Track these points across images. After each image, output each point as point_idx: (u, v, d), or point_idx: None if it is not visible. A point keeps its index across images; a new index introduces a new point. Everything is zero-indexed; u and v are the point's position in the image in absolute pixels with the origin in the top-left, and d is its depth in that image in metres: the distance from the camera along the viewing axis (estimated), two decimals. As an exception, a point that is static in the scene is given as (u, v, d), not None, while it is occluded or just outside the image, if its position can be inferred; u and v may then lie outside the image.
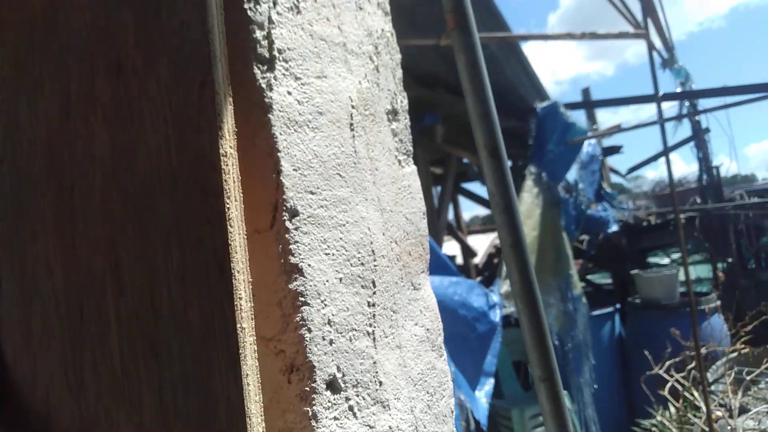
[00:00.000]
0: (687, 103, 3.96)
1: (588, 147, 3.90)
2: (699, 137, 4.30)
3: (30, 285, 0.38)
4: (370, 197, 0.39)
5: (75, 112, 0.35)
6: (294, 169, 0.34)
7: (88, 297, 0.35)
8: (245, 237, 0.30)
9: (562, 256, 3.50)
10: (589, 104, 4.53)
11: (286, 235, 0.34)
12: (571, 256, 3.66)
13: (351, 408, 0.33)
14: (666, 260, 5.17)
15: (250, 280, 0.30)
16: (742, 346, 3.35)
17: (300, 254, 0.33)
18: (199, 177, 0.30)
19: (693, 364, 2.99)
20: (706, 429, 2.57)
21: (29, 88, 0.38)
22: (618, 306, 4.46)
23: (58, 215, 0.36)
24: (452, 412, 0.42)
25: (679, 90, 3.97)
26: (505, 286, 3.37)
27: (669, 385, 3.15)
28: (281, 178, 0.34)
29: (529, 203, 3.46)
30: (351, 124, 0.38)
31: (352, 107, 0.39)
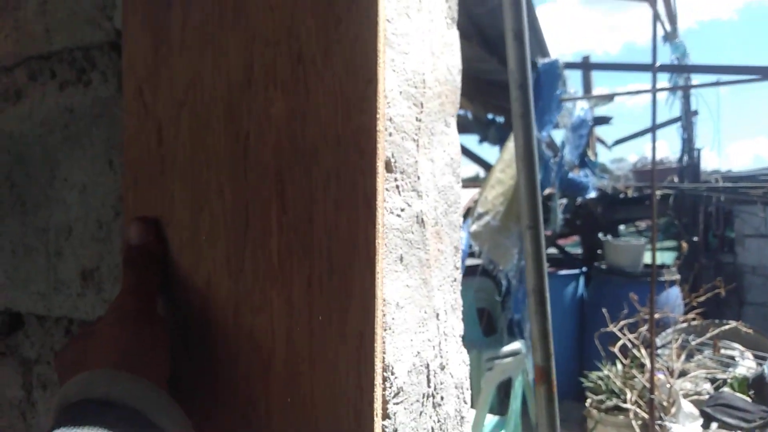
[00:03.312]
0: (681, 83, 4.14)
1: (580, 111, 4.07)
2: (687, 118, 4.52)
3: (201, 198, 0.53)
4: (426, 40, 0.53)
5: (256, 81, 0.49)
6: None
7: (254, 211, 0.50)
8: (384, 180, 0.47)
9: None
10: (587, 66, 4.69)
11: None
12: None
13: (397, 187, 0.47)
14: (637, 237, 5.48)
15: (385, 207, 0.47)
16: (693, 316, 3.68)
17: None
18: (359, 142, 0.44)
19: (645, 327, 3.29)
20: (647, 385, 2.89)
21: (215, 54, 0.52)
22: (584, 270, 4.76)
23: (232, 152, 0.51)
24: (460, 226, 0.59)
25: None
26: (474, 226, 3.60)
27: (620, 343, 3.47)
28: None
29: (512, 153, 3.65)
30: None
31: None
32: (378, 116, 0.45)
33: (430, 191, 0.55)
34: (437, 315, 0.56)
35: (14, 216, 0.81)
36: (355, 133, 0.46)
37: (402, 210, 0.50)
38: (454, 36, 0.61)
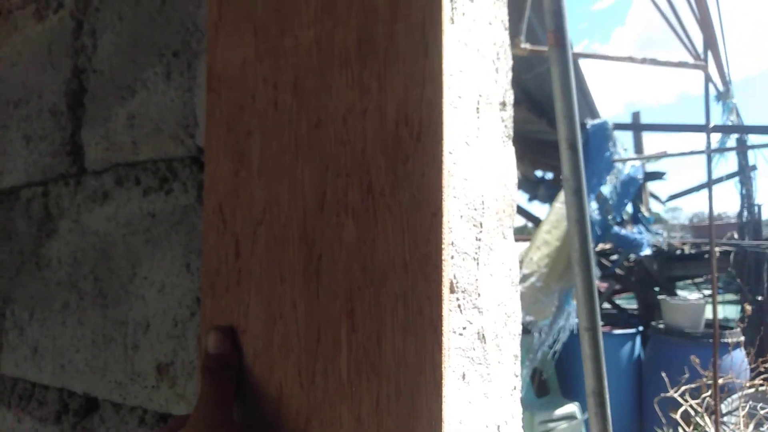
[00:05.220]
0: (734, 142, 4.05)
1: (630, 169, 4.03)
2: (744, 173, 4.40)
3: (275, 311, 0.57)
4: (483, 163, 0.55)
5: (329, 207, 0.54)
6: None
7: (325, 328, 0.53)
8: (449, 307, 0.50)
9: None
10: (637, 127, 4.65)
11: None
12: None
13: (459, 306, 0.49)
14: (696, 294, 5.29)
15: (451, 330, 0.49)
16: (761, 382, 3.48)
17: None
18: (425, 269, 0.48)
19: (709, 393, 3.13)
20: (715, 458, 2.73)
21: (290, 181, 0.57)
22: (641, 329, 4.59)
23: (305, 271, 0.55)
24: (519, 335, 0.61)
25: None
26: (519, 288, 3.58)
27: (682, 409, 3.30)
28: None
29: (559, 214, 3.63)
30: (477, 108, 0.55)
31: (479, 96, 0.55)
32: (443, 245, 0.48)
33: (490, 305, 0.57)
34: (498, 427, 0.58)
35: (96, 308, 0.87)
36: (421, 261, 0.49)
37: (464, 328, 0.52)
38: (509, 153, 0.64)
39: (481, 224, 0.55)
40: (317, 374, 0.54)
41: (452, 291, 0.50)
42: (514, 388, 0.60)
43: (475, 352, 0.53)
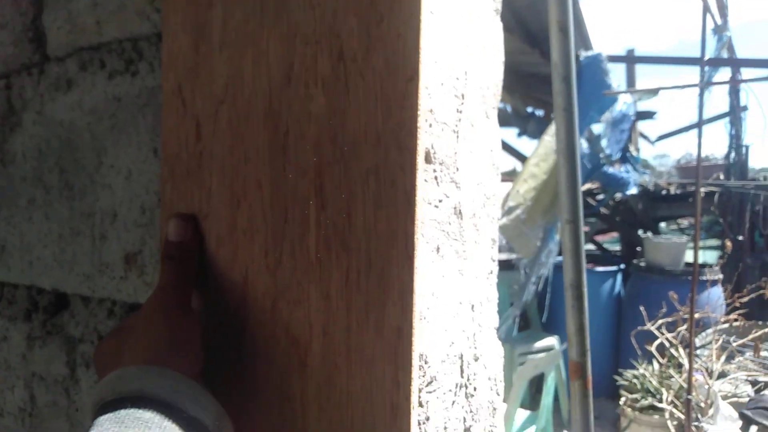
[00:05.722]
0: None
1: (623, 106, 3.98)
2: (735, 113, 4.37)
3: (239, 192, 0.53)
4: (469, 31, 0.53)
5: (296, 78, 0.50)
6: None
7: (292, 207, 0.50)
8: (424, 172, 0.47)
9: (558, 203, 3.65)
10: (631, 59, 4.57)
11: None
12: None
13: (436, 178, 0.47)
14: (678, 235, 5.36)
15: (423, 198, 0.46)
16: (735, 317, 3.57)
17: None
18: (399, 139, 0.44)
19: (684, 326, 3.22)
20: (685, 386, 2.83)
21: (255, 53, 0.52)
22: (622, 267, 4.67)
23: (271, 148, 0.51)
24: (498, 219, 0.59)
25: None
26: (504, 220, 3.58)
27: (657, 342, 3.39)
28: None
29: (548, 147, 3.60)
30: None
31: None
32: (419, 112, 0.45)
33: (468, 183, 0.55)
34: (472, 306, 0.56)
35: (62, 201, 0.84)
36: (395, 130, 0.46)
37: (440, 201, 0.50)
38: (497, 28, 0.60)
39: (463, 96, 0.52)
40: (284, 255, 0.52)
41: (429, 161, 0.48)
42: (491, 272, 0.59)
43: (450, 227, 0.51)
